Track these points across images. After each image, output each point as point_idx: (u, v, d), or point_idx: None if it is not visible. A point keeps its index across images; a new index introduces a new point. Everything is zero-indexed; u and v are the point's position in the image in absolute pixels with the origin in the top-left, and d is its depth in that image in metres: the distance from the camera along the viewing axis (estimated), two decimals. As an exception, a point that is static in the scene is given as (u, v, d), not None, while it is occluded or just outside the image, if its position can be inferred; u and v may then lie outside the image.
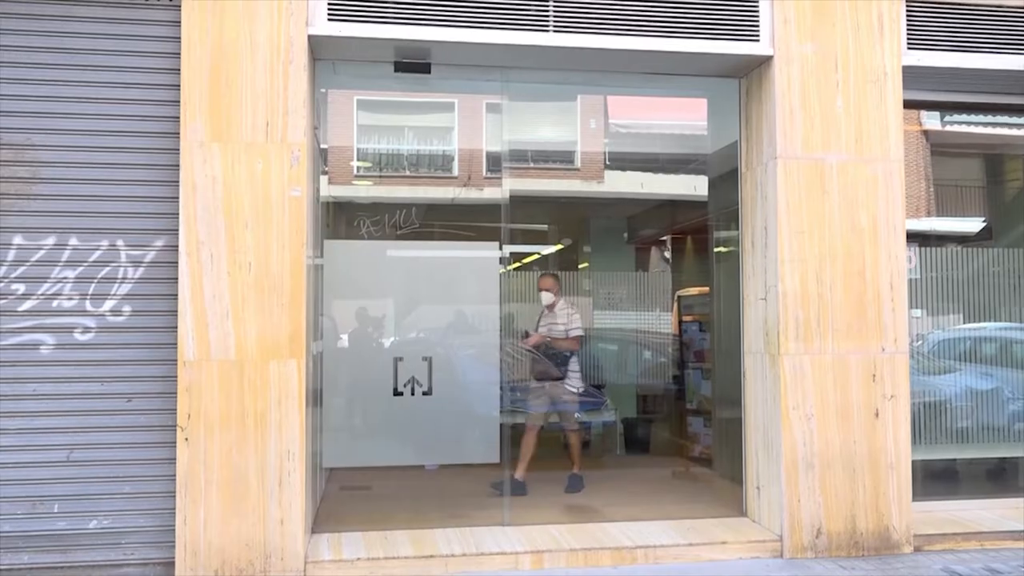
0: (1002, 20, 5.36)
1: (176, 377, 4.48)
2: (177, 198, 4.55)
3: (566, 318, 6.55)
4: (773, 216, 5.08)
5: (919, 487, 5.36)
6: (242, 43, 4.58)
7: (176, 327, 4.50)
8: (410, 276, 5.66)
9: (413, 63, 5.13)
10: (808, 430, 4.98)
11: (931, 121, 6.21)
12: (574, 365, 6.58)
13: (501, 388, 5.63)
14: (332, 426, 5.39)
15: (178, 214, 4.53)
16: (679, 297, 8.48)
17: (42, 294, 4.54)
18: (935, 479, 5.89)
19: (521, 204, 6.54)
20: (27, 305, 4.52)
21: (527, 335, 6.61)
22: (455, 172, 7.80)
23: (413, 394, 5.35)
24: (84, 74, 4.58)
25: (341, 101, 6.74)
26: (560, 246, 9.93)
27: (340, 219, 6.69)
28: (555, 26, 4.94)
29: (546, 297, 6.60)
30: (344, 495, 6.17)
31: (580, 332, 6.56)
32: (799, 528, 4.96)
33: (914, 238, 5.72)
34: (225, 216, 4.53)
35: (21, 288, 4.52)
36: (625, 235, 10.18)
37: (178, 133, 4.56)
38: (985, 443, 6.06)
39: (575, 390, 6.62)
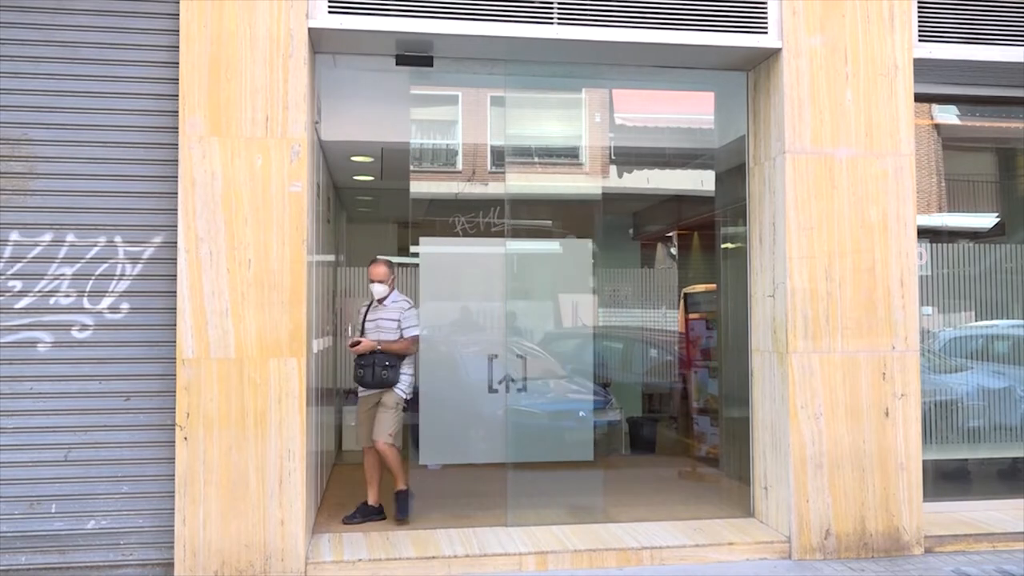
0: (1016, 11, 5.26)
1: (175, 375, 4.43)
2: (176, 193, 4.49)
3: (399, 314, 5.51)
4: (781, 212, 5.00)
5: (930, 488, 5.28)
6: (241, 36, 4.52)
7: (175, 325, 4.44)
8: (502, 272, 5.70)
9: (415, 56, 5.06)
10: (817, 429, 4.91)
11: (943, 115, 6.12)
12: (407, 368, 5.53)
13: (594, 385, 5.64)
14: (428, 423, 5.45)
15: (177, 210, 4.47)
16: (685, 294, 8.40)
17: (39, 291, 4.48)
18: (946, 479, 5.81)
19: (524, 200, 6.42)
20: (24, 302, 4.47)
21: (357, 341, 5.43)
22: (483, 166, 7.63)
23: (508, 391, 5.35)
24: (81, 67, 4.52)
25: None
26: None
27: (434, 215, 6.58)
28: (559, 18, 4.87)
29: (379, 290, 5.49)
30: (346, 495, 6.11)
31: (418, 331, 5.56)
32: (807, 529, 4.88)
33: (925, 234, 5.64)
34: (224, 212, 4.47)
35: (18, 285, 4.46)
36: (631, 231, 10.10)
37: (177, 127, 4.50)
38: (997, 443, 5.98)
39: (405, 396, 5.52)
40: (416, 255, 5.93)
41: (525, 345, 5.83)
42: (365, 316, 5.60)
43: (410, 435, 5.77)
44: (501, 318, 5.72)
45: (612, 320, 8.96)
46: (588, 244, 5.86)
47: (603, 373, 8.38)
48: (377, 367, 5.37)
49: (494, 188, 6.60)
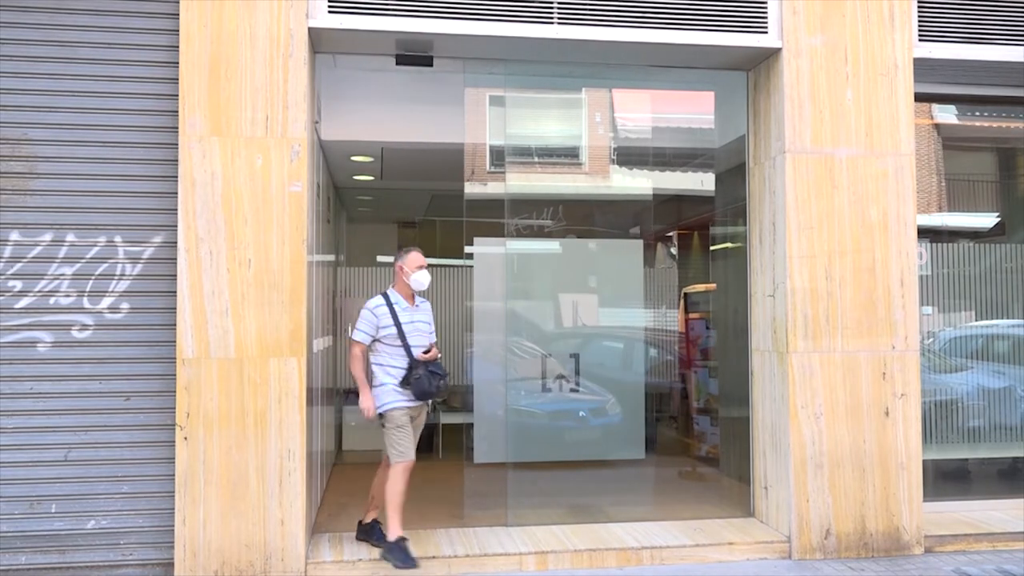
0: (1017, 11, 5.26)
1: (175, 375, 4.43)
2: (176, 193, 4.49)
3: (430, 316, 4.94)
4: (781, 212, 5.00)
5: (930, 487, 5.29)
6: (241, 36, 4.52)
7: (175, 324, 4.44)
8: (556, 273, 5.80)
9: (415, 56, 5.06)
10: (817, 429, 4.90)
11: (943, 115, 6.11)
12: None
13: (646, 386, 5.78)
14: (482, 422, 5.48)
15: (177, 210, 4.47)
16: (685, 294, 8.39)
17: (39, 291, 4.48)
18: (946, 479, 5.81)
19: (521, 200, 6.41)
20: (24, 302, 4.47)
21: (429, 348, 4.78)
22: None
23: (561, 390, 5.38)
24: (80, 67, 4.52)
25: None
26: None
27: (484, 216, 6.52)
28: (559, 18, 4.86)
29: (427, 279, 4.80)
30: (346, 494, 6.11)
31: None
32: (808, 529, 4.88)
33: (925, 234, 5.64)
34: (224, 212, 4.47)
35: (18, 285, 4.46)
36: (631, 231, 10.08)
37: (177, 127, 4.50)
38: (997, 442, 5.98)
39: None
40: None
41: (527, 345, 5.84)
42: (397, 317, 4.73)
43: (464, 433, 5.83)
44: (552, 318, 5.79)
45: (611, 320, 8.95)
46: (639, 244, 5.92)
47: (602, 374, 8.39)
48: (444, 377, 4.76)
49: (548, 188, 6.63)
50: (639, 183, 6.59)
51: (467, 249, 5.72)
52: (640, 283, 5.70)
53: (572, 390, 5.47)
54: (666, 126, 7.68)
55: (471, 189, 5.86)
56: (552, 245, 6.09)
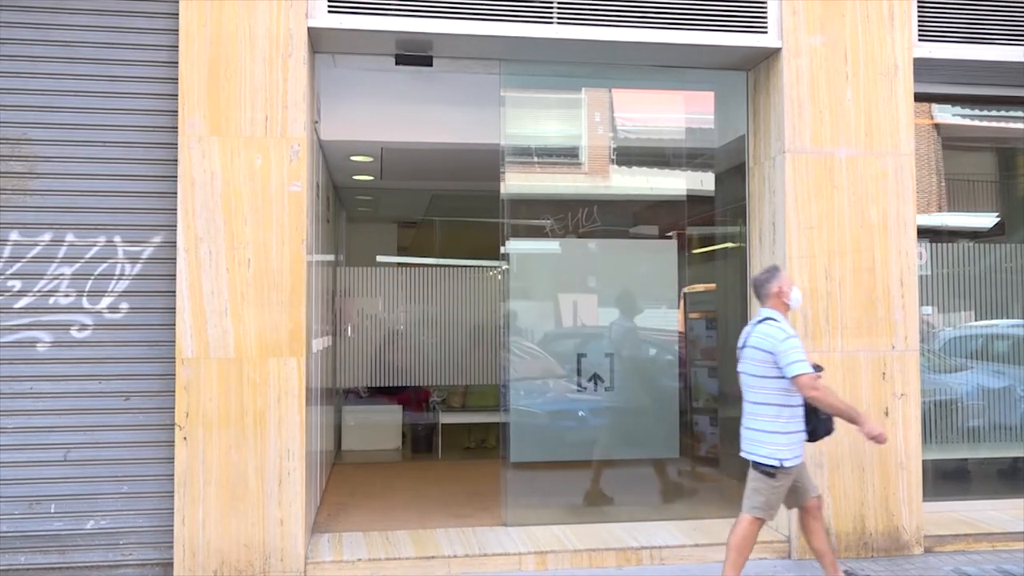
0: (1017, 11, 5.26)
1: (174, 375, 4.42)
2: (175, 193, 4.48)
3: None
4: (781, 211, 5.00)
5: (930, 487, 5.28)
6: (241, 35, 4.52)
7: (174, 324, 4.44)
8: (590, 273, 5.82)
9: (415, 56, 5.06)
10: (817, 429, 4.90)
11: (943, 115, 6.11)
12: None
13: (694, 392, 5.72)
14: (518, 421, 5.49)
15: (176, 210, 4.47)
16: (685, 294, 8.38)
17: (38, 291, 4.48)
18: (946, 479, 5.81)
19: (521, 200, 6.39)
20: (23, 302, 4.47)
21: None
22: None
23: (596, 389, 5.39)
24: (81, 67, 4.52)
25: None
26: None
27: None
28: (559, 18, 4.86)
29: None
30: (345, 494, 6.11)
31: None
32: (807, 529, 4.88)
33: (925, 234, 5.63)
34: (224, 212, 4.47)
35: (17, 285, 4.47)
36: (630, 232, 10.07)
37: (176, 127, 4.50)
38: (997, 442, 5.97)
39: None
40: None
41: (530, 347, 5.86)
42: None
43: (500, 432, 5.85)
44: (588, 317, 5.82)
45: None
46: (673, 245, 5.95)
47: (602, 372, 8.39)
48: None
49: (584, 188, 6.59)
50: (674, 183, 6.58)
51: (502, 249, 5.70)
52: (674, 283, 5.73)
53: (607, 389, 5.53)
54: (666, 126, 7.67)
55: (505, 189, 5.74)
56: (586, 246, 6.12)
